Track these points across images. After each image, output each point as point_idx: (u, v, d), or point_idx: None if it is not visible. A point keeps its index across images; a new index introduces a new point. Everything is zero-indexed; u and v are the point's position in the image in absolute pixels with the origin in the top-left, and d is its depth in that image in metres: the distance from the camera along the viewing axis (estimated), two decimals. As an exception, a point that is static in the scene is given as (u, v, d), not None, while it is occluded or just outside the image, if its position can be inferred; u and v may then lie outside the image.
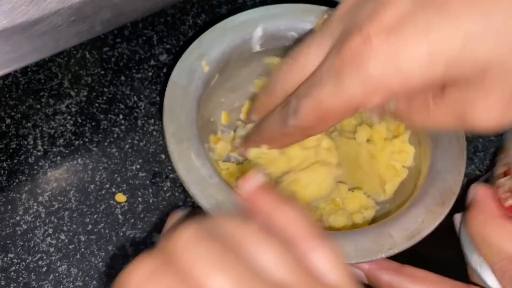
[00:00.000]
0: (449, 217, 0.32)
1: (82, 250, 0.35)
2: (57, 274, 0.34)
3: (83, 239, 0.35)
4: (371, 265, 0.31)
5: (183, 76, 0.33)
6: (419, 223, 0.30)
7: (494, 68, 0.22)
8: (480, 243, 0.30)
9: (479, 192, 0.31)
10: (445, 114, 0.25)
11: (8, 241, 0.35)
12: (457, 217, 0.34)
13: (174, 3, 0.40)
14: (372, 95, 0.23)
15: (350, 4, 0.26)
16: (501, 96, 0.23)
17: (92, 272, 0.34)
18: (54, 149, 0.38)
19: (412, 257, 0.31)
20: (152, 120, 0.40)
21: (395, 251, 0.29)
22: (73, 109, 0.40)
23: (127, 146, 0.39)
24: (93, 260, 0.35)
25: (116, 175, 0.38)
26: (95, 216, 0.36)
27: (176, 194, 0.38)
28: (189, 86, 0.33)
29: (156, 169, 0.38)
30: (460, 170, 0.32)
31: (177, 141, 0.31)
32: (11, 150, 0.38)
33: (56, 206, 0.36)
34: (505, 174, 0.31)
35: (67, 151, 0.38)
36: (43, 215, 0.36)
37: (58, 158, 0.38)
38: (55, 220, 0.36)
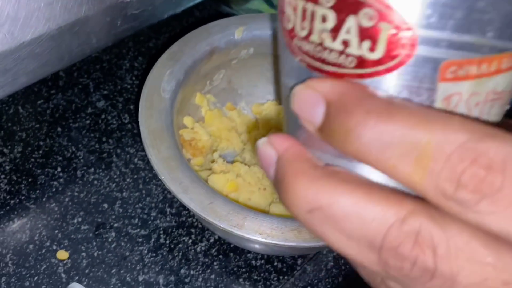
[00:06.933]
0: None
1: (23, 316, 0.32)
2: None
3: (23, 304, 0.33)
4: None
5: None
6: None
7: None
8: None
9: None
10: None
11: None
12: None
13: (103, 48, 0.39)
14: None
15: None
16: None
17: None
18: (-11, 212, 0.36)
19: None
20: (92, 169, 0.39)
21: None
22: (7, 167, 0.38)
23: (67, 200, 0.37)
24: (36, 326, 0.32)
25: (56, 231, 0.36)
26: (36, 278, 0.34)
27: (122, 243, 0.36)
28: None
29: (99, 219, 0.36)
30: None
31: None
32: None
33: (-8, 273, 0.34)
34: None
35: (1, 212, 0.36)
36: (-22, 284, 0.33)
37: (-7, 220, 0.36)
38: (-8, 287, 0.33)
